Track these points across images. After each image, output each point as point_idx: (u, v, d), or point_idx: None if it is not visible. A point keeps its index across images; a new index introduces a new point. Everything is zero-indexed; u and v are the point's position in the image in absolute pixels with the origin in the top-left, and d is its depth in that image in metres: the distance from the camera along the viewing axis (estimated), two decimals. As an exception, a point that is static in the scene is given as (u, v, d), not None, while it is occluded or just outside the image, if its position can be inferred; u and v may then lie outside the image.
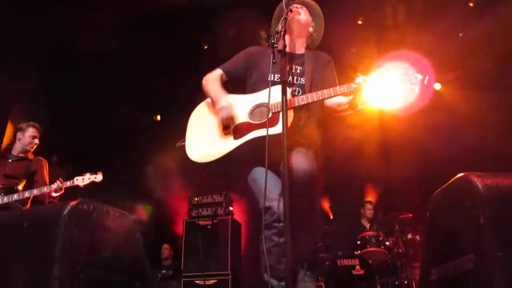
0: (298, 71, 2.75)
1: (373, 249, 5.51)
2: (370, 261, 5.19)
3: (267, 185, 2.24)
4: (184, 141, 2.65)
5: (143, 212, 7.17)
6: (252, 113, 2.52)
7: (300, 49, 2.87)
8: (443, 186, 1.73)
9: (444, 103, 7.09)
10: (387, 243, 5.55)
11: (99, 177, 4.08)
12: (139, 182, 6.64)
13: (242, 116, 2.50)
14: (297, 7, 2.80)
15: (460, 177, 1.60)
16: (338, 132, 6.78)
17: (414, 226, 5.83)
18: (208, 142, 2.55)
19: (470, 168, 1.72)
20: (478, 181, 1.50)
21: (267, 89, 2.31)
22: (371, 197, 7.30)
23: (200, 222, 5.78)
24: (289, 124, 2.32)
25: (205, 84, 2.77)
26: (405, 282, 5.17)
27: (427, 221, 1.88)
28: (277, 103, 2.38)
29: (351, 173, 7.21)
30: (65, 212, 1.64)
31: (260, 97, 2.55)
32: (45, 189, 4.02)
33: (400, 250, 5.40)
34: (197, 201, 5.99)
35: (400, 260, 5.37)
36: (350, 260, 5.21)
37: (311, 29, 2.93)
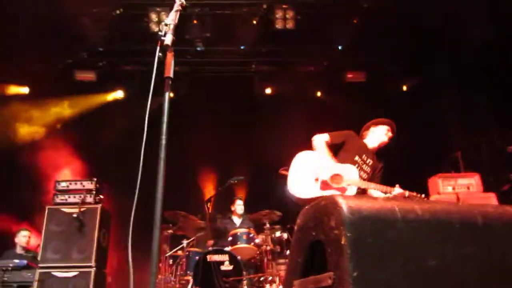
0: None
1: (243, 245, 5.67)
2: (239, 257, 5.33)
3: None
4: (287, 170, 3.73)
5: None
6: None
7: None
8: (312, 203, 1.81)
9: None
10: (257, 240, 5.75)
11: None
12: None
13: (327, 176, 3.64)
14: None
15: (328, 197, 1.70)
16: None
17: (283, 224, 6.15)
18: (306, 185, 3.64)
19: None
20: (343, 203, 1.60)
21: (349, 165, 3.74)
22: (241, 193, 7.47)
23: (65, 209, 5.35)
24: None
25: (316, 142, 3.84)
26: (270, 278, 5.42)
27: (295, 234, 1.95)
28: (353, 180, 3.64)
29: (226, 169, 7.34)
30: None
31: (342, 168, 3.70)
32: None
33: (268, 247, 5.64)
34: (63, 186, 5.52)
35: (267, 256, 5.60)
36: (220, 255, 5.29)
37: None
